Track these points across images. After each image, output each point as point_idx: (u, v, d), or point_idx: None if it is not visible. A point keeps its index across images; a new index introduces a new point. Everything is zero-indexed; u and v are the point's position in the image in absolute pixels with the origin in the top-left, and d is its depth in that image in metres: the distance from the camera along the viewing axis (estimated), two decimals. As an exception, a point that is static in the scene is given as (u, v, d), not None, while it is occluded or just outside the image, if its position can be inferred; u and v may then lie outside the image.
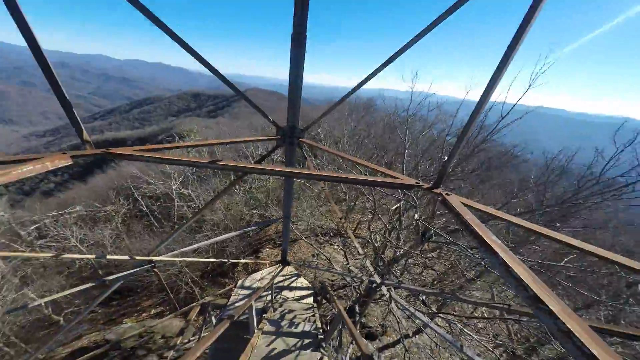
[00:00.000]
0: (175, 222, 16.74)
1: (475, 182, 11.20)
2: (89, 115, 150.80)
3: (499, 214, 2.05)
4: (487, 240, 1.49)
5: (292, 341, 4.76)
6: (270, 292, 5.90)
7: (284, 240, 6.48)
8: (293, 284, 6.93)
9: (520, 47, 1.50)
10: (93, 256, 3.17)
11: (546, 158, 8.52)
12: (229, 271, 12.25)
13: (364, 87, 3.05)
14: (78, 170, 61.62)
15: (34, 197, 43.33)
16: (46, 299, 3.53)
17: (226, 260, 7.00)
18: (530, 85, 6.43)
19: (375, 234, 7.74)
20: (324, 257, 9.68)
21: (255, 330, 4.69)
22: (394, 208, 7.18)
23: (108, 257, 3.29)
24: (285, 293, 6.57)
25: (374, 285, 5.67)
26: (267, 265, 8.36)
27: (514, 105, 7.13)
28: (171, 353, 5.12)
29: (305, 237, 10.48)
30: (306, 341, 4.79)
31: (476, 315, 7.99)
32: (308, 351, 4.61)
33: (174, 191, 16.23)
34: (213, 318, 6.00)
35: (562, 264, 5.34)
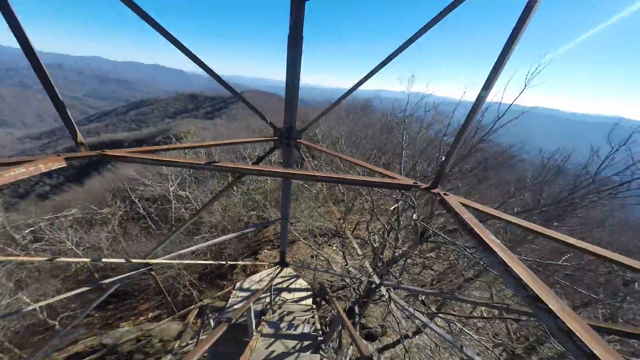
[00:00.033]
0: (172, 224, 16.63)
1: (472, 182, 11.26)
2: (84, 117, 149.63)
3: (497, 213, 2.05)
4: (485, 240, 1.48)
5: (291, 343, 4.73)
6: (269, 293, 5.86)
7: (283, 242, 6.44)
8: (292, 286, 6.89)
9: (516, 48, 1.51)
10: (88, 259, 3.13)
11: (542, 158, 8.58)
12: (227, 273, 12.18)
13: (362, 88, 3.05)
14: (74, 172, 61.08)
15: (29, 200, 42.82)
16: (41, 303, 3.48)
17: (224, 262, 6.91)
18: (525, 86, 6.49)
19: (373, 235, 7.74)
20: (323, 258, 9.66)
21: (254, 333, 4.66)
22: (392, 208, 7.19)
23: (104, 260, 3.24)
24: (284, 295, 6.53)
25: (373, 285, 5.67)
26: (266, 267, 8.31)
27: (510, 106, 7.19)
28: (169, 357, 5.05)
29: (303, 238, 10.45)
30: (305, 343, 4.76)
31: (475, 314, 8.01)
32: (307, 353, 4.58)
33: (171, 193, 16.13)
34: (211, 321, 5.95)
35: (560, 262, 5.37)
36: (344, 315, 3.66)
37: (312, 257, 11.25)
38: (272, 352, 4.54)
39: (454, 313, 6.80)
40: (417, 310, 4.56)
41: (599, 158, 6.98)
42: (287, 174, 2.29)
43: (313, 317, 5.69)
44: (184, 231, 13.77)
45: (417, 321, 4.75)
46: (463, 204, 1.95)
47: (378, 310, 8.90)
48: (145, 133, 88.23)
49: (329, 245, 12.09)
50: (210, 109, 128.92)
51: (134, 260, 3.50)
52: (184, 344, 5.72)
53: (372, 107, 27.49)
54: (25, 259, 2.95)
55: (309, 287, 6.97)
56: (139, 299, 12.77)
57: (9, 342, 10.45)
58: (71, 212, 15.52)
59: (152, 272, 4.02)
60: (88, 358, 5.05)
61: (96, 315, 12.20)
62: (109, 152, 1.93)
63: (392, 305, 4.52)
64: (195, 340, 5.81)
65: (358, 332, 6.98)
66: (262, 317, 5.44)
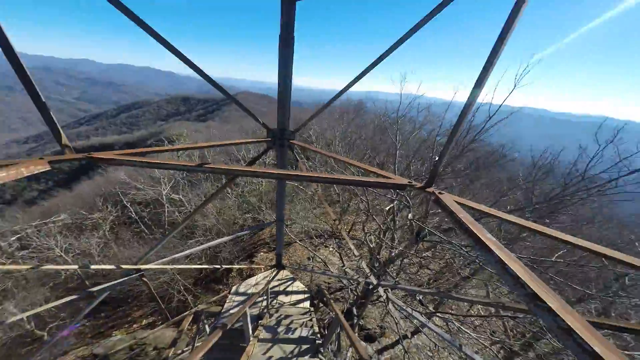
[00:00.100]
0: (166, 228, 16.33)
1: (465, 181, 11.37)
2: (74, 121, 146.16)
3: (492, 211, 2.06)
4: (482, 238, 1.48)
5: (289, 348, 4.65)
6: (265, 297, 5.78)
7: (278, 244, 6.39)
8: (289, 288, 6.82)
9: (505, 48, 1.54)
10: (75, 266, 3.01)
11: (532, 157, 8.72)
12: (222, 277, 12.00)
13: (355, 89, 3.06)
14: (63, 177, 59.65)
15: (16, 206, 41.58)
16: (28, 313, 3.34)
17: (219, 266, 6.84)
18: (515, 86, 6.58)
19: (370, 235, 7.73)
20: (320, 260, 9.61)
21: (251, 338, 4.57)
22: (387, 208, 7.19)
23: (93, 267, 3.13)
24: (281, 298, 6.45)
25: (371, 286, 5.64)
26: (262, 270, 8.21)
27: (501, 106, 7.29)
28: (163, 365, 4.93)
29: (299, 240, 10.38)
30: (304, 347, 4.69)
31: (472, 312, 8.06)
32: (306, 357, 4.51)
33: (164, 196, 15.85)
34: (207, 327, 5.83)
35: (553, 259, 5.45)
36: (342, 318, 3.62)
37: (308, 259, 11.17)
38: (270, 357, 4.45)
39: (452, 312, 6.83)
40: (415, 310, 4.55)
41: (587, 156, 7.13)
42: (281, 175, 2.26)
43: (311, 320, 5.63)
44: (178, 235, 13.54)
45: (415, 321, 4.74)
46: (458, 203, 1.95)
47: (376, 311, 8.88)
48: (137, 136, 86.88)
49: (326, 246, 12.04)
50: (203, 112, 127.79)
51: (124, 266, 3.39)
52: (179, 351, 5.58)
53: (365, 109, 27.68)
54: (11, 267, 2.83)
55: (306, 289, 6.90)
56: (132, 306, 12.46)
57: (-5, 354, 10.07)
58: (60, 217, 15.09)
59: (144, 278, 3.91)
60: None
61: (87, 324, 11.85)
62: (96, 155, 1.86)
63: (390, 305, 4.49)
64: (191, 347, 5.68)
65: (357, 334, 6.94)
66: (259, 322, 5.35)
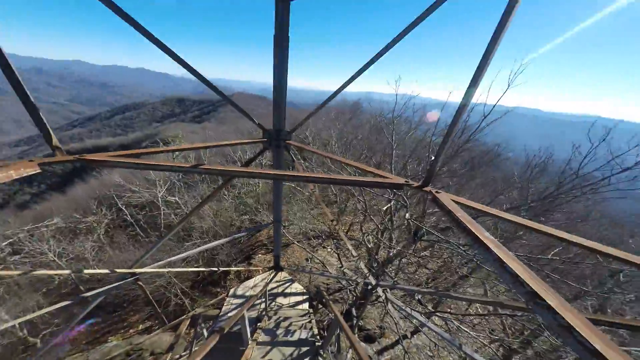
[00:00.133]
0: (162, 231, 16.15)
1: (461, 181, 11.45)
2: (67, 123, 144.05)
3: (490, 210, 2.06)
4: (480, 237, 1.47)
5: (288, 350, 4.61)
6: (263, 299, 5.72)
7: (276, 245, 6.34)
8: (287, 290, 6.77)
9: (499, 48, 1.55)
10: (68, 271, 2.94)
11: (527, 156, 8.81)
12: (220, 280, 11.89)
13: (351, 90, 3.05)
14: (56, 180, 58.73)
15: (7, 210, 40.82)
16: (20, 320, 3.25)
17: (217, 269, 6.76)
18: (509, 85, 6.63)
19: (367, 235, 7.72)
20: (318, 261, 9.57)
21: (249, 342, 4.51)
22: (385, 208, 7.19)
23: (86, 271, 3.06)
24: (280, 300, 6.40)
25: (370, 287, 5.62)
26: (260, 272, 8.15)
27: (495, 105, 7.35)
28: (160, 370, 4.85)
29: (297, 241, 10.34)
30: (303, 349, 4.65)
31: (471, 311, 8.09)
32: None
33: (159, 199, 15.68)
34: (204, 330, 5.75)
35: (549, 256, 5.49)
36: (341, 319, 3.59)
37: (306, 260, 11.13)
38: (269, 360, 4.41)
39: (451, 311, 6.84)
40: (414, 310, 4.54)
41: (580, 154, 7.22)
42: (277, 175, 2.23)
43: (310, 321, 5.59)
44: (174, 238, 13.39)
45: (414, 321, 4.74)
46: (455, 202, 1.94)
47: (375, 311, 8.86)
48: (132, 138, 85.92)
49: (324, 247, 12.01)
50: (199, 113, 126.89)
51: (119, 271, 3.33)
52: (177, 356, 5.49)
53: (361, 109, 27.81)
54: (2, 273, 2.75)
55: (305, 290, 6.86)
56: (128, 311, 12.28)
57: (-14, 362, 9.84)
58: (53, 221, 14.82)
59: (140, 282, 3.84)
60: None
61: (82, 330, 11.64)
62: (88, 157, 1.81)
63: (389, 306, 4.48)
64: (188, 352, 5.59)
65: (356, 335, 6.92)
66: (258, 325, 5.30)
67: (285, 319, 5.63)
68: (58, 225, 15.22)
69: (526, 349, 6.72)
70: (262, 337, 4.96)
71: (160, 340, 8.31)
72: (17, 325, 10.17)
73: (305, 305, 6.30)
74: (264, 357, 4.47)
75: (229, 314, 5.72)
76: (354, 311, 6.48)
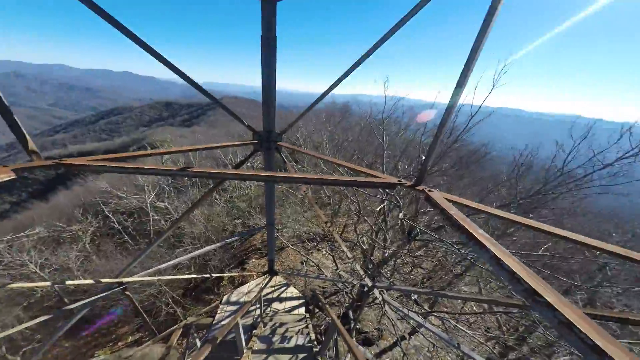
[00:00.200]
0: (151, 238, 15.69)
1: (451, 180, 11.63)
2: (49, 128, 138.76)
3: (482, 207, 2.05)
4: (475, 235, 1.46)
5: (285, 358, 4.49)
6: (258, 305, 5.58)
7: (270, 249, 6.23)
8: (283, 295, 6.65)
9: (484, 49, 1.58)
10: (49, 283, 2.76)
11: (513, 155, 9.05)
12: (213, 286, 11.59)
13: (340, 92, 3.04)
14: (38, 187, 56.41)
15: (-15, 221, 38.80)
16: (-3, 338, 3.04)
17: (209, 275, 6.57)
18: (494, 85, 6.79)
19: (362, 237, 7.69)
20: (313, 264, 9.47)
21: (245, 350, 4.38)
22: (378, 209, 7.19)
23: (68, 282, 2.89)
24: (275, 305, 6.27)
25: (366, 288, 5.58)
26: (254, 277, 7.98)
27: (480, 106, 7.52)
28: (151, 384, 4.64)
29: (292, 245, 10.21)
30: (300, 356, 4.54)
31: (466, 309, 8.15)
32: (303, 366, 4.37)
33: (148, 204, 15.24)
34: (197, 340, 5.55)
35: (540, 252, 5.60)
36: (338, 322, 3.52)
37: (301, 263, 11.00)
38: (265, 368, 4.28)
39: (447, 310, 6.87)
40: (411, 311, 4.52)
41: (564, 152, 7.47)
42: (269, 177, 2.16)
43: (307, 326, 5.48)
44: (165, 245, 13.01)
45: (412, 321, 4.71)
46: (448, 200, 1.93)
47: (372, 313, 8.82)
48: (118, 143, 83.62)
49: (318, 250, 11.91)
50: (188, 117, 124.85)
51: (104, 280, 3.16)
52: (168, 367, 5.27)
53: (350, 111, 28.08)
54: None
55: (301, 295, 6.76)
56: (116, 323, 11.81)
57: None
58: (35, 231, 14.12)
59: (127, 292, 3.67)
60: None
61: (67, 345, 11.10)
62: (68, 161, 1.69)
63: (386, 307, 4.44)
64: (180, 362, 5.38)
65: (354, 338, 6.84)
66: (253, 332, 5.16)
67: (281, 325, 5.51)
68: (40, 234, 14.54)
69: (521, 345, 6.81)
70: (257, 344, 4.82)
71: (151, 352, 7.96)
72: (-5, 342, 9.61)
73: (302, 310, 6.20)
74: (260, 365, 4.34)
75: (223, 322, 5.56)
76: (351, 314, 6.42)
